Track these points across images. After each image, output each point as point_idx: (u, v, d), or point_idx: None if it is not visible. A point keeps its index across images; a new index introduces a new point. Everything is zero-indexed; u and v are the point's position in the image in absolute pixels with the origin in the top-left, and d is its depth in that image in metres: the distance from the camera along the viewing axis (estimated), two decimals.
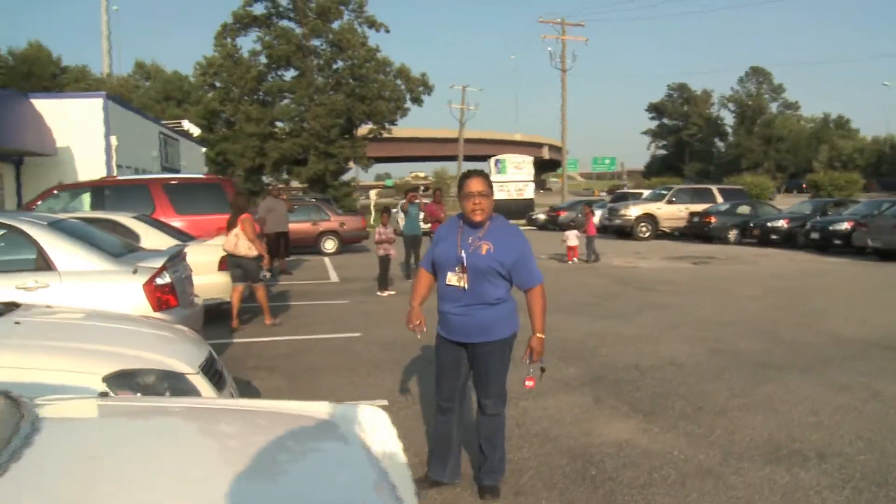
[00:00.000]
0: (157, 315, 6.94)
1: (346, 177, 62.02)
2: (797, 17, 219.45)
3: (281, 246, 16.92)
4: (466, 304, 4.25)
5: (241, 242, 10.27)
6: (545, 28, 49.48)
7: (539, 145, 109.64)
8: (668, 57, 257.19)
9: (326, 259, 21.15)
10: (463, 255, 4.22)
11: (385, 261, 13.64)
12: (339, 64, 51.64)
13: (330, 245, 23.09)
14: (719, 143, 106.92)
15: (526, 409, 6.09)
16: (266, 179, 56.47)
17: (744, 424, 5.69)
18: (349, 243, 23.81)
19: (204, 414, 2.21)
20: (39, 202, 13.55)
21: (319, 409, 2.13)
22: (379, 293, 13.46)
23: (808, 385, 6.77)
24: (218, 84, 52.13)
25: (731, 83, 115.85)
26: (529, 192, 45.30)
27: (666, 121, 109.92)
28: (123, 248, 7.87)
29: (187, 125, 34.17)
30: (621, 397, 6.45)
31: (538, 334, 4.33)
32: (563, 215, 35.31)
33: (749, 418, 5.83)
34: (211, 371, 4.61)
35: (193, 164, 33.13)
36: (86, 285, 6.87)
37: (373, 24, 51.18)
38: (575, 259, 19.11)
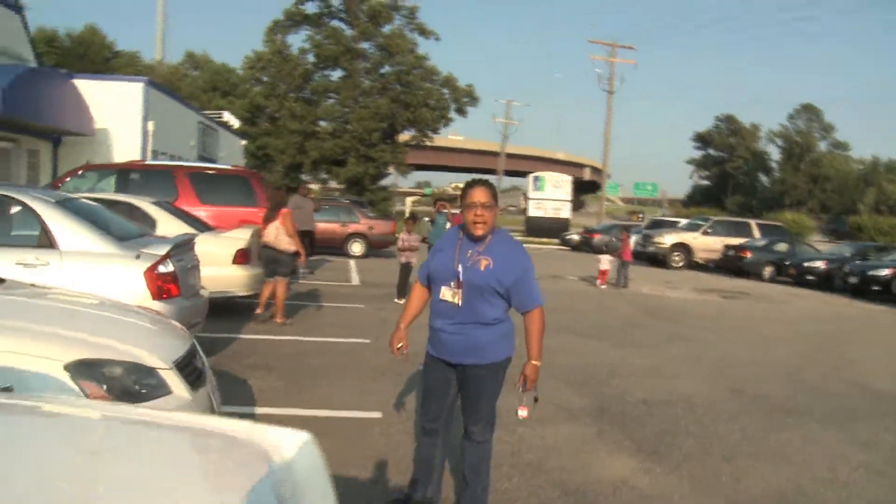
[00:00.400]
0: (157, 304, 6.76)
1: (386, 182, 62.15)
2: (853, 55, 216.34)
3: (305, 244, 16.72)
4: (460, 322, 3.95)
5: (282, 237, 10.34)
6: (595, 48, 49.03)
7: (581, 166, 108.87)
8: (717, 87, 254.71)
9: (352, 262, 20.94)
10: (459, 269, 3.92)
11: (406, 268, 13.39)
12: (387, 68, 51.72)
13: (357, 248, 22.85)
14: (764, 178, 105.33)
15: (523, 436, 5.77)
16: (305, 177, 56.77)
17: (753, 472, 5.33)
18: (377, 247, 23.57)
19: (92, 425, 1.95)
20: (68, 179, 13.49)
21: (237, 428, 1.86)
22: (397, 300, 13.20)
23: (829, 437, 6.38)
24: (265, 79, 52.52)
25: (780, 118, 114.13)
26: (566, 211, 44.90)
27: (711, 151, 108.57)
28: (133, 233, 7.70)
29: (227, 116, 34.15)
30: (626, 432, 6.10)
31: (533, 361, 3.98)
32: (598, 238, 34.91)
33: (759, 466, 5.47)
34: (188, 368, 4.38)
35: (232, 156, 33.12)
36: (87, 266, 6.70)
37: (423, 31, 51.18)
38: (604, 285, 18.74)
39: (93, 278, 6.66)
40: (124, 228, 7.72)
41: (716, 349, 10.57)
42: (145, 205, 10.49)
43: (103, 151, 20.85)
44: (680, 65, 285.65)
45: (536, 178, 45.45)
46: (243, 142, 36.56)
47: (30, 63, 19.70)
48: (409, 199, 53.94)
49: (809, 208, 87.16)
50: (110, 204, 10.23)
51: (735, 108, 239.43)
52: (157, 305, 6.78)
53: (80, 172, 13.74)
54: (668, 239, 28.20)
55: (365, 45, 51.59)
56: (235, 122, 34.70)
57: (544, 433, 5.90)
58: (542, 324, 4.01)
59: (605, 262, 19.09)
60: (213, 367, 7.64)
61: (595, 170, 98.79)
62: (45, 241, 6.76)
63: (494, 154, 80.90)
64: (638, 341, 10.79)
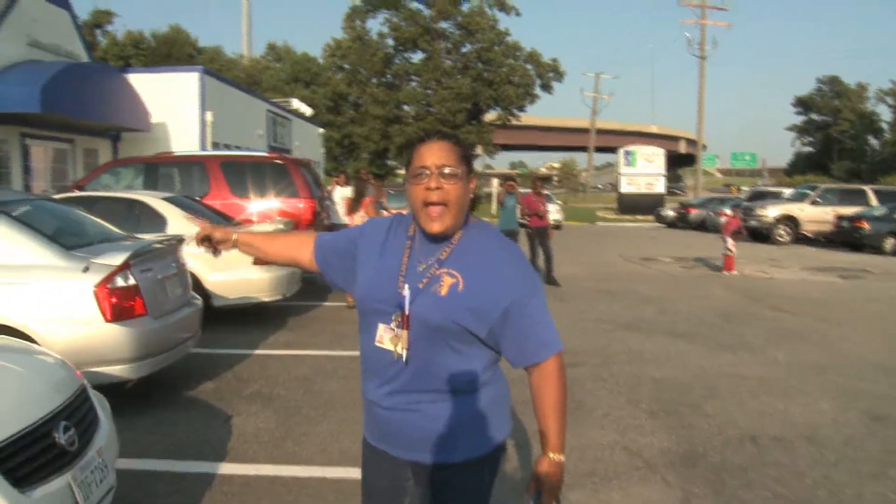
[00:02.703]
0: (114, 327, 5.36)
1: (476, 164, 60.41)
2: None
3: None
4: (407, 390, 2.16)
5: None
6: (685, 12, 46.10)
7: (675, 139, 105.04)
8: (818, 47, 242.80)
9: None
10: (406, 293, 2.17)
11: None
12: (468, 47, 50.32)
13: None
14: (873, 141, 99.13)
15: None
16: (391, 163, 55.90)
17: None
18: None
19: None
20: (93, 178, 12.38)
21: None
22: None
23: None
24: (346, 66, 51.85)
25: (890, 75, 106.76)
26: (660, 186, 42.55)
27: (814, 116, 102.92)
28: (95, 238, 6.24)
29: (297, 104, 32.99)
30: (723, 497, 4.25)
31: (552, 454, 2.17)
32: (694, 213, 32.59)
33: None
34: (31, 450, 2.83)
35: (308, 146, 31.99)
36: (12, 282, 5.30)
37: (503, 6, 49.56)
38: (732, 271, 15.82)
39: (30, 297, 5.28)
40: (89, 233, 6.31)
41: (842, 349, 8.42)
42: (154, 201, 9.10)
43: (162, 146, 19.87)
44: (777, 25, 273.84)
45: (627, 153, 43.10)
46: (320, 130, 35.44)
47: (81, 59, 18.83)
48: (495, 181, 52.08)
49: None
50: (112, 202, 9.02)
51: (839, 68, 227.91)
52: (114, 329, 5.38)
53: (103, 170, 12.63)
54: (771, 211, 25.63)
55: (444, 25, 50.31)
56: (307, 110, 33.52)
57: (607, 498, 4.18)
58: (563, 385, 2.19)
59: (731, 244, 15.87)
60: (204, 399, 6.21)
61: (690, 142, 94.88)
62: None
63: (585, 131, 78.40)
64: (741, 341, 8.77)
